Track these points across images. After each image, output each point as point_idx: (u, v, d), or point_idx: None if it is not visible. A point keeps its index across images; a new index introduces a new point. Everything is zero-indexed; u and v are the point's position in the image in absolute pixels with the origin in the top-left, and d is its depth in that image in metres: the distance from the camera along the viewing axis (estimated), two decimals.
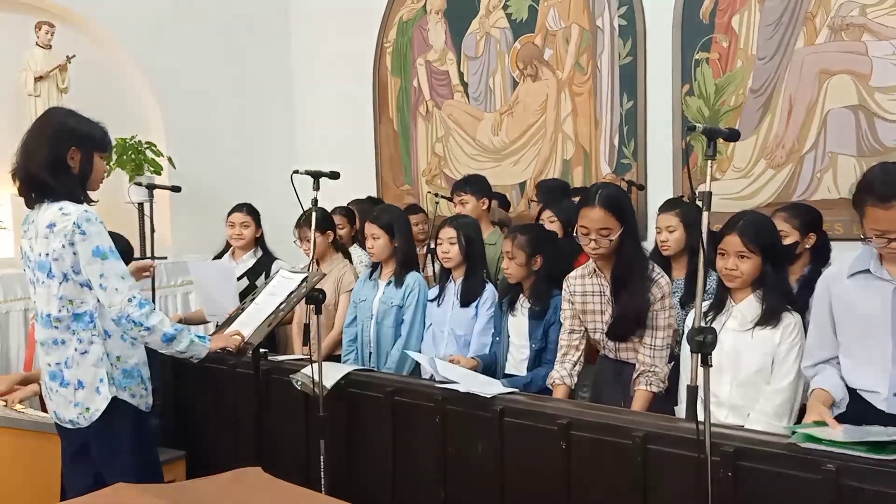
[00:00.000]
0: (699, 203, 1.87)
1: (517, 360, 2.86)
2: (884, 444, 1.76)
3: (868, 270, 2.10)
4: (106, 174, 2.43)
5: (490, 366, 2.89)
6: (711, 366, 1.77)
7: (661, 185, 4.34)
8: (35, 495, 2.63)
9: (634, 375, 2.53)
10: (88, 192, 2.35)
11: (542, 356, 2.78)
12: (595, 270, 2.61)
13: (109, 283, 2.18)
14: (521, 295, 2.89)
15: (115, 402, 2.28)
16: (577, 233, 2.52)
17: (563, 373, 2.62)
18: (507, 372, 2.89)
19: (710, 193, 1.77)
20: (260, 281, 3.73)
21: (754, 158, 4.10)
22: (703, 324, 2.31)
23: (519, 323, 2.88)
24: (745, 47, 4.09)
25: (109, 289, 2.19)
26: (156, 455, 2.51)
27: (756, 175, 4.10)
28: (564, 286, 2.70)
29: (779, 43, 3.98)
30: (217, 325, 2.93)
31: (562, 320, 2.70)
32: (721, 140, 3.78)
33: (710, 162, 1.78)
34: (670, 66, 4.35)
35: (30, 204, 2.31)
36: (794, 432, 1.89)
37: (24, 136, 2.32)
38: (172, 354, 2.35)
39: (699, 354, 1.75)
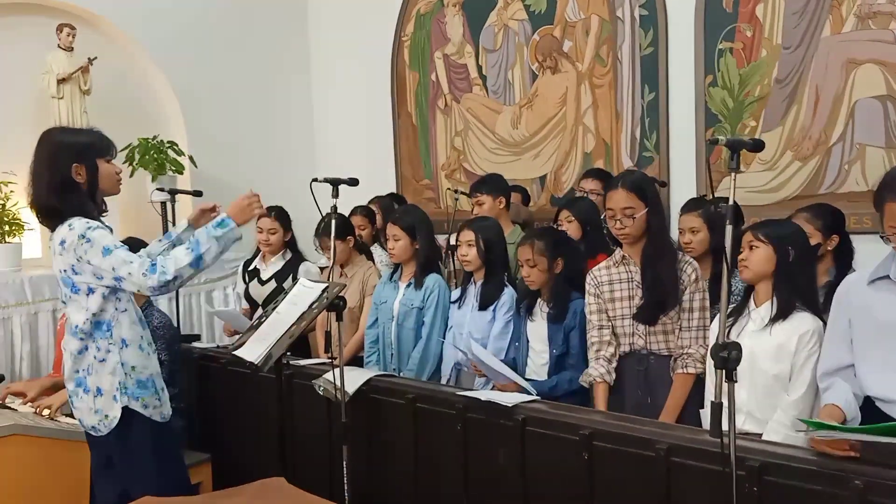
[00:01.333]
0: (721, 209, 1.84)
1: (537, 366, 2.84)
2: None
3: (888, 276, 2.06)
4: (119, 174, 2.43)
5: None
6: (736, 381, 1.75)
7: (684, 178, 4.27)
8: None
9: (672, 362, 2.53)
10: (108, 196, 2.39)
11: (563, 361, 2.76)
12: (623, 258, 2.62)
13: (122, 271, 2.21)
14: (539, 299, 2.87)
15: (129, 413, 2.32)
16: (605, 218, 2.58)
17: (601, 370, 2.60)
18: (526, 377, 2.88)
19: (735, 207, 1.74)
20: (288, 283, 3.75)
21: (780, 150, 4.02)
22: (726, 336, 2.32)
23: (538, 328, 2.85)
24: (770, 36, 4.00)
25: (126, 277, 2.22)
26: (181, 462, 2.55)
27: (782, 167, 4.02)
28: (588, 280, 2.69)
29: (804, 32, 3.88)
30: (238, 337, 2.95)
31: (588, 316, 2.68)
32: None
33: (733, 175, 1.73)
34: (693, 56, 4.26)
35: (51, 227, 2.34)
36: (809, 425, 1.87)
37: (30, 165, 2.35)
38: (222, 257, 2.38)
39: (723, 370, 1.73)
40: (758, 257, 2.29)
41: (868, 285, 2.10)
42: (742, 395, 2.29)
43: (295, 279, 3.75)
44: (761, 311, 2.33)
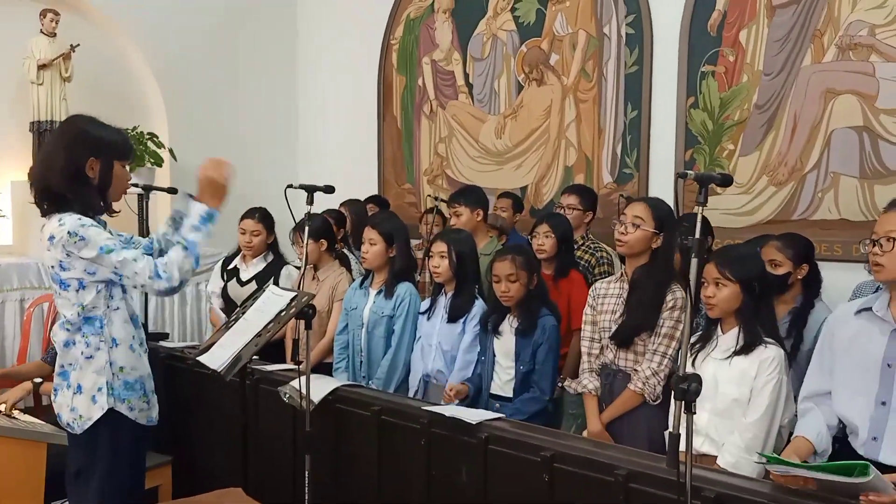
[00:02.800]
0: (687, 241, 1.86)
1: (503, 381, 2.85)
2: (851, 466, 1.74)
3: (870, 309, 2.12)
4: (129, 182, 2.39)
5: (477, 388, 2.88)
6: (695, 413, 1.77)
7: (662, 197, 4.26)
8: None
9: None
10: (113, 201, 2.33)
11: (529, 378, 2.77)
12: (622, 275, 2.70)
13: (127, 270, 2.19)
14: (508, 315, 2.87)
15: (114, 415, 2.27)
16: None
17: (595, 383, 2.67)
18: (492, 392, 2.88)
19: (701, 241, 1.75)
20: (269, 286, 3.73)
21: (756, 174, 4.06)
22: (689, 361, 2.35)
23: (505, 343, 2.85)
24: (752, 62, 4.04)
25: (132, 277, 2.20)
26: (143, 468, 2.51)
27: (757, 191, 4.06)
28: (590, 291, 2.79)
29: (786, 59, 3.93)
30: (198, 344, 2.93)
31: (582, 325, 2.77)
32: (721, 165, 3.74)
33: (700, 209, 1.74)
34: (676, 77, 4.30)
35: (44, 213, 2.26)
36: (766, 458, 1.89)
37: (45, 143, 2.31)
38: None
39: (682, 401, 1.74)
40: (725, 296, 2.33)
41: (854, 316, 2.16)
42: (703, 418, 2.33)
43: (276, 282, 3.73)
44: (727, 338, 2.37)
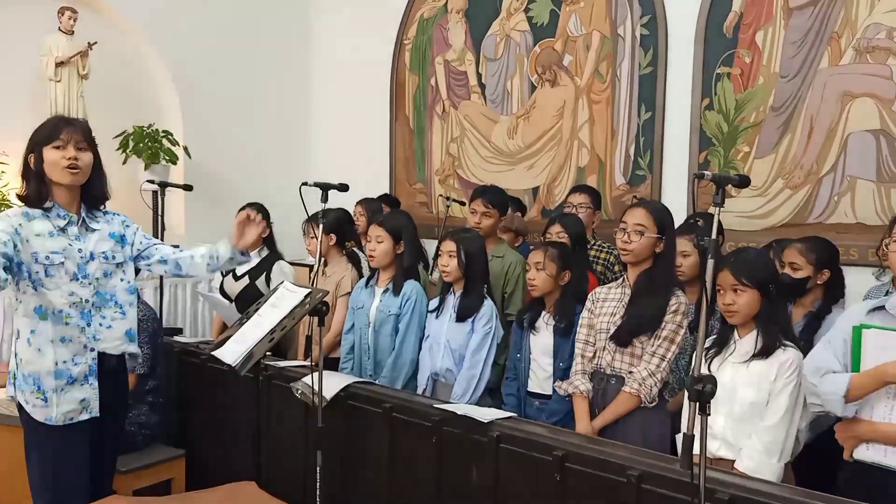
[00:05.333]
0: (704, 242, 1.85)
1: (541, 379, 2.86)
2: None
3: (884, 307, 2.11)
4: (68, 159, 2.30)
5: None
6: (709, 414, 1.76)
7: (675, 200, 4.28)
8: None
9: None
10: (63, 184, 2.32)
11: (567, 375, 2.77)
12: (623, 280, 2.67)
13: None
14: (544, 311, 2.88)
15: (19, 404, 2.34)
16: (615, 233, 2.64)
17: (587, 385, 2.64)
18: (529, 390, 2.88)
19: (715, 241, 1.74)
20: (260, 281, 3.75)
21: (772, 177, 4.04)
22: (704, 365, 2.34)
23: (542, 340, 2.86)
24: (769, 64, 4.02)
25: None
26: (71, 473, 2.33)
27: (773, 194, 4.04)
28: (590, 295, 2.74)
29: (802, 61, 3.91)
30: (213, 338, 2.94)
31: (578, 329, 2.73)
32: (736, 167, 3.72)
33: (717, 209, 1.74)
34: (691, 78, 4.28)
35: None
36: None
37: None
38: None
39: (697, 402, 1.74)
40: (745, 302, 2.31)
41: (867, 315, 2.15)
42: (719, 422, 2.31)
43: (268, 277, 3.74)
44: (745, 342, 2.35)
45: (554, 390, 2.81)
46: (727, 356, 2.37)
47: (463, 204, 4.72)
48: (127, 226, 2.54)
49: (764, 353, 2.28)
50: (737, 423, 2.30)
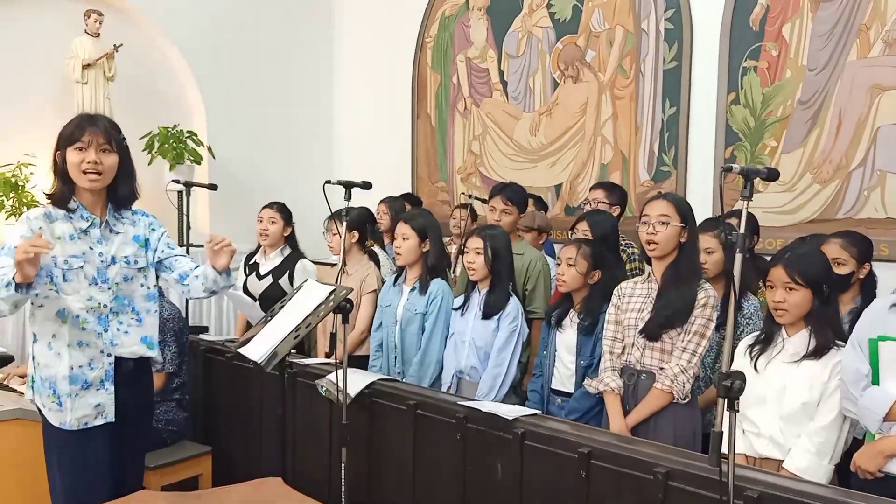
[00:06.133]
0: (732, 237, 1.82)
1: (564, 376, 2.84)
2: None
3: None
4: (87, 163, 2.24)
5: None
6: (738, 411, 1.73)
7: (701, 196, 4.24)
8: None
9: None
10: (85, 188, 2.27)
11: (588, 373, 2.76)
12: (649, 276, 2.64)
13: None
14: (571, 310, 2.87)
15: (37, 406, 2.33)
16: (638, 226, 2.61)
17: (618, 382, 2.60)
18: (553, 388, 2.87)
19: (744, 236, 1.71)
20: (283, 280, 3.76)
21: (800, 172, 3.98)
22: (750, 364, 2.30)
23: (568, 338, 2.84)
24: (796, 57, 3.96)
25: None
26: (89, 479, 2.30)
27: (801, 189, 3.98)
28: (615, 291, 2.71)
29: (830, 54, 3.84)
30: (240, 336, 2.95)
31: (605, 325, 2.69)
32: (762, 162, 3.65)
33: (745, 203, 1.71)
34: (716, 72, 4.24)
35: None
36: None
37: None
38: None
39: (726, 399, 1.71)
40: (797, 301, 2.26)
41: (889, 310, 2.12)
42: (769, 421, 2.27)
43: (291, 276, 3.76)
44: (796, 341, 2.30)
45: (575, 388, 2.79)
46: (774, 355, 2.32)
47: (485, 202, 4.71)
48: (153, 229, 2.46)
49: (816, 352, 2.24)
50: (786, 423, 2.26)
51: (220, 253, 2.32)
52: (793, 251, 2.35)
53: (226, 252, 2.32)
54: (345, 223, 2.91)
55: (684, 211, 2.55)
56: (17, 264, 1.99)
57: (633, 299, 2.64)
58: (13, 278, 2.02)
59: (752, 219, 3.33)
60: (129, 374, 2.37)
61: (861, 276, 2.78)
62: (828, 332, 2.26)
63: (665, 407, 2.50)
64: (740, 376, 1.72)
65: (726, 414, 1.72)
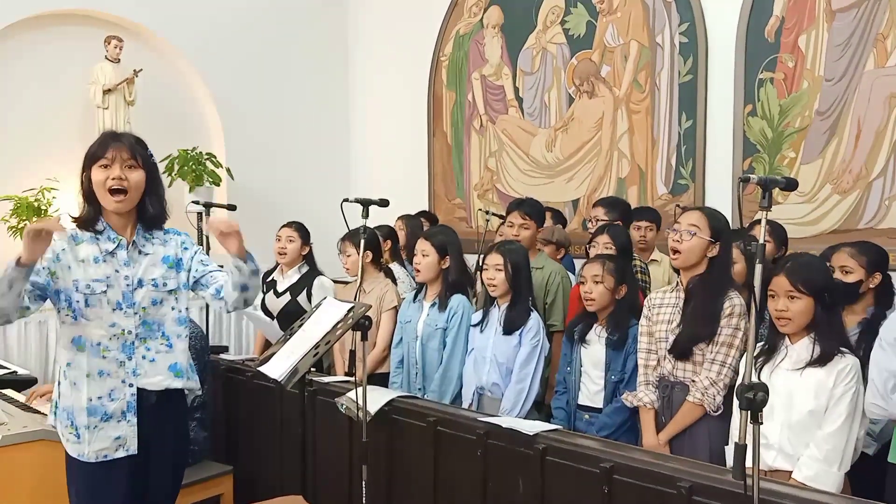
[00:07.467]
0: (751, 247, 1.81)
1: (592, 392, 2.82)
2: None
3: None
4: (111, 180, 2.15)
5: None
6: (761, 423, 1.71)
7: (719, 208, 4.12)
8: None
9: None
10: (109, 209, 2.19)
11: (619, 388, 2.74)
12: (677, 284, 2.64)
13: None
14: (596, 324, 2.85)
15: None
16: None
17: (652, 396, 2.60)
18: (580, 403, 2.85)
19: (763, 246, 1.70)
20: (301, 297, 3.78)
21: (819, 183, 3.95)
22: (754, 374, 2.27)
23: (594, 353, 2.82)
24: (812, 68, 3.95)
25: None
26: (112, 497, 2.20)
27: (821, 200, 3.95)
28: (646, 302, 2.71)
29: (847, 64, 3.83)
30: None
31: (639, 337, 2.69)
32: (781, 173, 3.65)
33: (765, 214, 1.70)
34: (732, 85, 4.23)
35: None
36: None
37: None
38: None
39: (748, 411, 1.69)
40: (799, 309, 2.25)
41: None
42: (775, 432, 2.24)
43: (309, 294, 3.78)
44: (799, 348, 2.29)
45: (604, 403, 2.77)
46: (778, 363, 2.30)
47: (503, 218, 4.72)
48: (185, 248, 2.32)
49: (820, 360, 2.22)
50: (794, 432, 2.23)
51: (228, 236, 2.15)
52: (794, 260, 2.34)
53: (233, 235, 2.15)
54: (362, 241, 2.92)
55: (717, 226, 2.53)
56: (24, 241, 1.91)
57: (663, 310, 2.64)
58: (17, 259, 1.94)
59: (779, 229, 3.31)
60: (150, 407, 2.23)
61: (871, 286, 2.73)
62: (831, 339, 2.24)
63: (699, 420, 2.48)
64: (762, 388, 1.70)
65: (749, 426, 1.71)
